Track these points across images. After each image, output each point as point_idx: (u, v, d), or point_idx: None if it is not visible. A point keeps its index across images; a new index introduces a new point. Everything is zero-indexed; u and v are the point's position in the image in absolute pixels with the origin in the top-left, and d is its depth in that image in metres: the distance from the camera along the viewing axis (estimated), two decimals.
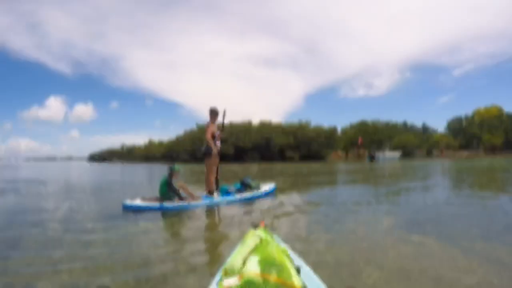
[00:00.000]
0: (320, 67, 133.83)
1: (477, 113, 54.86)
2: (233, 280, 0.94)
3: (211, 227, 3.73)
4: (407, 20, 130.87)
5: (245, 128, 39.19)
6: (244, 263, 1.08)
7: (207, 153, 5.05)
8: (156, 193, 4.79)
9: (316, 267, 1.45)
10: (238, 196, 5.12)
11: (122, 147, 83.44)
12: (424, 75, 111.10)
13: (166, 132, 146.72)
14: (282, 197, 5.57)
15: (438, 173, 12.36)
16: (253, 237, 1.35)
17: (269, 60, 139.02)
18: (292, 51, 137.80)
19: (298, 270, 1.12)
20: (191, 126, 49.01)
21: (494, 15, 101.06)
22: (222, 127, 5.38)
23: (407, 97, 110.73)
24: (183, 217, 4.14)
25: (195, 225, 3.83)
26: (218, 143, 5.16)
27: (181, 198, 4.68)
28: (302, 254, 1.71)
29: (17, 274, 2.08)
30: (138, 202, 4.59)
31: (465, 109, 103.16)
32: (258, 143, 38.42)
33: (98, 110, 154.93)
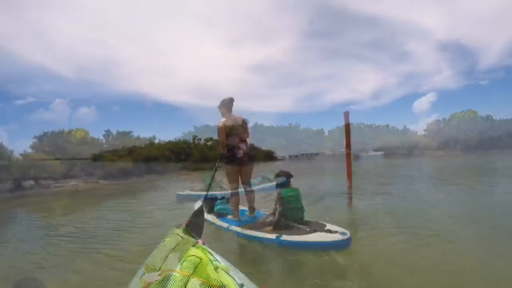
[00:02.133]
0: (308, 73, 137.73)
1: (454, 116, 59.30)
2: (154, 275, 0.95)
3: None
4: None
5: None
6: (165, 260, 1.12)
7: None
8: None
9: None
10: (261, 186, 6.83)
11: (123, 148, 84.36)
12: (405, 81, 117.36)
13: (165, 134, 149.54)
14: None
15: (413, 170, 13.45)
16: (174, 236, 1.41)
17: (261, 66, 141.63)
18: (282, 59, 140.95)
19: (216, 268, 1.14)
20: (188, 128, 49.96)
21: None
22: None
23: (389, 102, 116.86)
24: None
25: None
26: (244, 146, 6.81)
27: (222, 188, 6.33)
28: None
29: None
30: (188, 192, 6.22)
31: (443, 113, 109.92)
32: (251, 143, 40.36)
33: (100, 112, 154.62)
